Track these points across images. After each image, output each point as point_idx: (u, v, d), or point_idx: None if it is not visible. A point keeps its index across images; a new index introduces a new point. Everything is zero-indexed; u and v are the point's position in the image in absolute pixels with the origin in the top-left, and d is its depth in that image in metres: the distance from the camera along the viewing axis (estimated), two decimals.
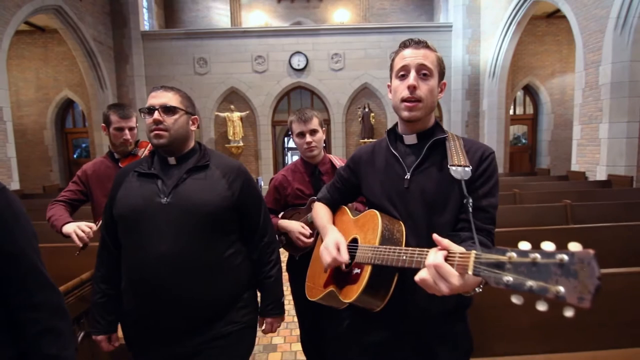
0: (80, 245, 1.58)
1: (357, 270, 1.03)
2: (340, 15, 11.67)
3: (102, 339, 1.24)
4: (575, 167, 5.80)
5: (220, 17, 12.29)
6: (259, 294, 1.35)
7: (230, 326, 1.20)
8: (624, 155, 5.01)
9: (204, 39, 9.05)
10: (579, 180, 5.36)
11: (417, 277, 0.77)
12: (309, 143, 1.68)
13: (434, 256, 0.75)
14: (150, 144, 1.88)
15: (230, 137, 9.10)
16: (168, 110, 1.17)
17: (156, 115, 1.16)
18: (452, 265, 0.73)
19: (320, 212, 1.27)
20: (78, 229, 1.58)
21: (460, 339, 1.07)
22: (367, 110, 9.17)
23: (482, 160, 1.01)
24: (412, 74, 0.99)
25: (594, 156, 5.38)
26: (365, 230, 1.07)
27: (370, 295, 0.97)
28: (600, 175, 5.23)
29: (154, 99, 1.19)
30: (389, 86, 1.10)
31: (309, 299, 1.25)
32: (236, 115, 8.99)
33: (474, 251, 0.69)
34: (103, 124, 1.87)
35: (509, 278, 0.60)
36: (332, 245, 1.06)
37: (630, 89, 4.96)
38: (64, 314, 0.93)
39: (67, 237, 1.60)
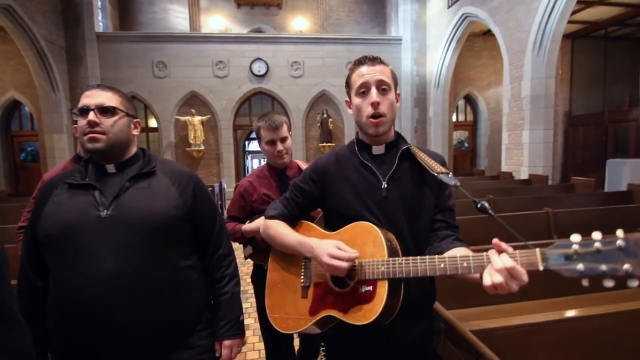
0: None
1: (367, 288, 0.96)
2: (299, 24, 12.10)
3: None
4: (504, 168, 6.67)
5: (179, 20, 12.21)
6: None
7: (189, 352, 1.06)
8: (542, 157, 5.92)
9: (163, 43, 9.04)
10: (506, 179, 6.20)
11: (489, 281, 0.78)
12: (279, 151, 1.65)
13: (502, 260, 0.77)
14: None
15: (191, 141, 9.16)
16: (105, 110, 1.04)
17: (91, 116, 1.01)
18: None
19: (283, 228, 1.14)
20: None
21: (435, 332, 1.14)
22: (325, 115, 9.68)
23: (443, 164, 1.06)
24: (373, 90, 1.02)
25: (519, 158, 6.27)
26: (359, 244, 0.99)
27: (389, 311, 0.93)
28: (524, 174, 6.11)
29: (89, 98, 1.04)
30: (347, 102, 1.12)
31: (284, 332, 1.11)
32: (197, 119, 9.08)
33: (537, 249, 0.76)
34: (74, 125, 1.59)
35: (580, 266, 0.71)
36: (337, 249, 0.97)
37: (546, 101, 5.87)
38: (29, 358, 0.82)
39: None
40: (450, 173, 1.02)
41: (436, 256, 0.88)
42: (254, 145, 17.33)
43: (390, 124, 1.07)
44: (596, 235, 0.70)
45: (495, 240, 0.81)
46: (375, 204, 1.05)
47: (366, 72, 1.03)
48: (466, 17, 7.71)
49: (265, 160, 1.79)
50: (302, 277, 1.10)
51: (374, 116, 1.03)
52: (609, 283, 0.68)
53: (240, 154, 12.65)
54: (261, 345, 2.41)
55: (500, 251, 0.80)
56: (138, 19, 12.18)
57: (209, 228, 1.17)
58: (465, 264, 0.84)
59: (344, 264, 0.94)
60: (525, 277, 0.76)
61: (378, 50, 9.66)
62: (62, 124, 8.15)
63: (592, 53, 9.30)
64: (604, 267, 0.69)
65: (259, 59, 9.29)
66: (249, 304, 3.25)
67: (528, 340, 1.27)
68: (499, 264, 0.77)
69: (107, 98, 1.05)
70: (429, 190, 1.07)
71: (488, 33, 9.58)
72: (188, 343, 1.07)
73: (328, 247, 0.98)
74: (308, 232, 1.15)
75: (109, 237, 0.98)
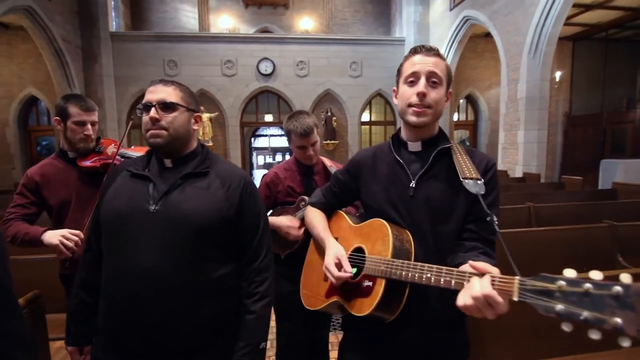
0: (70, 255, 1.40)
1: (368, 283, 0.99)
2: (305, 23, 12.37)
3: (73, 351, 1.11)
4: (501, 166, 6.92)
5: (188, 20, 12.55)
6: None
7: (215, 355, 1.05)
8: (535, 157, 6.17)
9: (174, 42, 9.40)
10: (502, 177, 6.45)
11: (460, 303, 0.74)
12: (310, 155, 1.72)
13: (482, 285, 0.72)
14: (114, 143, 1.73)
15: (199, 137, 9.49)
16: (166, 106, 1.04)
17: (152, 112, 1.02)
18: None
19: (316, 218, 1.22)
20: (63, 237, 1.39)
21: (458, 346, 1.06)
22: (329, 114, 9.97)
23: (486, 171, 1.00)
24: (422, 81, 0.98)
25: (514, 157, 6.52)
26: (372, 240, 1.03)
27: (384, 309, 0.94)
28: (518, 173, 6.36)
29: (151, 94, 1.05)
30: (394, 90, 1.08)
31: (307, 307, 1.20)
32: (206, 116, 9.42)
33: (517, 277, 0.68)
34: (57, 117, 1.59)
35: (560, 307, 0.61)
36: (334, 263, 1.04)
37: (540, 103, 6.11)
38: (28, 345, 0.84)
39: (48, 246, 1.41)
40: (481, 180, 0.95)
41: (444, 268, 0.83)
42: (259, 142, 17.69)
43: (433, 119, 1.02)
44: (595, 275, 0.60)
45: (471, 262, 0.77)
46: (401, 202, 1.03)
47: (418, 62, 0.99)
48: (467, 20, 7.93)
49: (292, 155, 1.85)
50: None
51: (417, 105, 0.99)
52: (594, 335, 0.58)
53: (247, 150, 12.99)
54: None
55: (481, 271, 0.75)
56: (149, 18, 12.54)
57: (249, 236, 1.12)
58: (447, 278, 0.80)
59: (334, 279, 1.04)
60: (502, 307, 0.70)
61: (381, 50, 9.93)
62: None
63: (593, 55, 9.48)
64: (585, 314, 0.58)
65: (265, 58, 9.61)
66: None
67: None
68: (477, 290, 0.71)
69: (169, 93, 1.05)
70: (463, 196, 0.98)
71: (490, 35, 9.77)
72: (213, 346, 1.04)
73: (330, 257, 1.07)
74: (338, 222, 1.23)
75: (152, 232, 0.99)
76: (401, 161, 1.06)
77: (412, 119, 1.01)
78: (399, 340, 1.03)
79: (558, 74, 9.10)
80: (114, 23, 11.12)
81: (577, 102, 9.70)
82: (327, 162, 1.83)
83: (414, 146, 1.07)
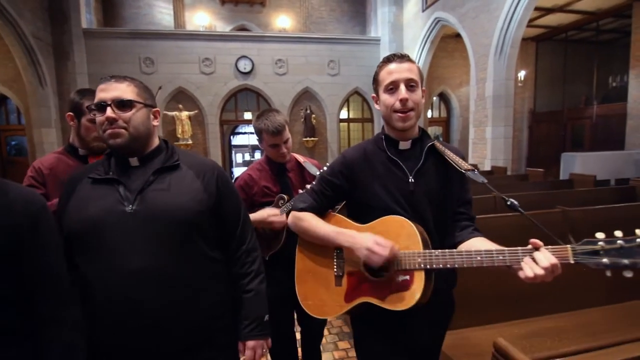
0: None
1: (404, 277, 1.02)
2: (282, 22, 12.45)
3: None
4: (471, 160, 7.34)
5: (163, 16, 12.36)
6: None
7: (213, 349, 1.06)
8: (502, 151, 6.61)
9: (149, 40, 9.28)
10: None
11: (530, 274, 0.88)
12: (282, 153, 1.70)
13: (549, 256, 0.88)
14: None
15: (179, 136, 9.46)
16: (123, 104, 0.99)
17: (109, 112, 0.98)
18: None
19: (316, 221, 1.18)
20: None
21: (450, 305, 1.27)
22: (308, 111, 10.16)
23: (464, 161, 1.14)
24: (402, 88, 1.07)
25: (483, 152, 6.95)
26: (392, 237, 1.04)
27: (424, 297, 1.01)
28: (487, 166, 6.78)
29: (104, 92, 0.99)
30: (374, 97, 1.17)
31: (320, 317, 1.19)
32: (185, 114, 9.39)
33: (569, 246, 0.87)
34: (70, 113, 1.53)
35: (605, 260, 0.82)
36: (376, 243, 1.02)
37: (506, 100, 6.54)
38: (82, 330, 0.91)
39: None
40: (476, 170, 1.11)
41: (473, 250, 0.98)
42: (238, 140, 17.63)
43: (416, 120, 1.12)
44: (618, 233, 0.83)
45: (532, 240, 0.91)
46: (403, 198, 1.10)
47: (395, 70, 1.08)
48: (439, 21, 8.31)
49: (264, 154, 1.82)
50: (335, 266, 1.14)
51: (402, 111, 1.08)
52: (628, 274, 0.81)
53: (227, 148, 12.98)
54: None
55: (537, 247, 0.90)
56: (121, 13, 12.26)
57: (233, 222, 1.14)
58: (500, 257, 0.93)
59: (385, 254, 0.99)
60: (559, 271, 0.88)
61: (358, 49, 10.19)
62: (50, 118, 8.31)
63: (554, 55, 10.14)
64: (625, 261, 0.80)
65: (244, 56, 9.67)
66: None
67: None
68: (545, 262, 0.87)
69: (123, 90, 1.01)
70: (452, 185, 1.14)
71: (460, 35, 10.22)
72: (212, 339, 1.06)
73: (368, 238, 1.04)
74: (338, 224, 1.18)
75: (135, 233, 0.96)
76: (396, 159, 1.13)
77: (399, 124, 1.10)
78: (411, 320, 1.12)
79: (523, 73, 9.67)
80: (86, 19, 10.83)
81: (541, 99, 10.35)
82: (300, 158, 1.81)
83: (405, 145, 1.16)
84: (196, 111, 9.62)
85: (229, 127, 12.59)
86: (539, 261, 0.88)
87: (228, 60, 9.66)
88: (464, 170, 1.08)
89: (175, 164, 1.07)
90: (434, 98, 11.11)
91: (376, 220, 1.10)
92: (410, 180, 1.10)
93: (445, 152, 1.13)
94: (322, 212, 1.23)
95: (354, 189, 1.18)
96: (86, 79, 8.92)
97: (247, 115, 10.57)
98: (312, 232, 1.18)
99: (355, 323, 1.26)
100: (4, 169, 9.15)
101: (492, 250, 0.95)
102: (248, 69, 9.71)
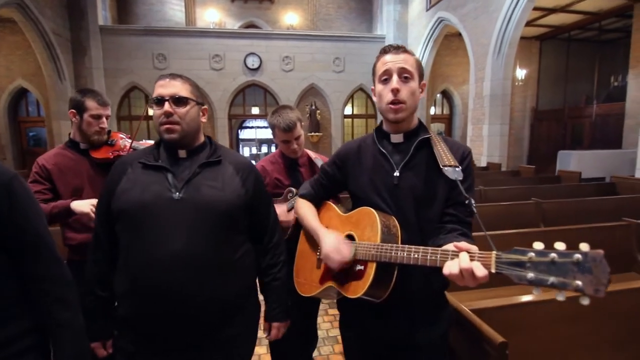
0: None
1: (359, 267, 1.05)
2: (290, 18, 12.71)
3: (97, 346, 1.16)
4: None
5: (175, 13, 12.72)
6: (260, 297, 1.26)
7: (237, 329, 1.14)
8: (498, 148, 6.85)
9: (162, 36, 9.66)
10: None
11: (446, 272, 0.82)
12: (294, 149, 1.77)
13: (464, 261, 0.80)
14: (120, 135, 1.80)
15: None
16: (179, 101, 1.08)
17: (167, 106, 1.06)
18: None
19: (307, 210, 1.26)
20: (93, 206, 1.46)
21: (441, 318, 1.15)
22: (314, 107, 10.48)
23: (463, 158, 1.08)
24: (395, 77, 1.05)
25: (480, 149, 7.19)
26: (361, 227, 1.09)
27: (376, 289, 1.00)
28: (483, 163, 7.04)
29: (163, 88, 1.08)
30: (373, 90, 1.14)
31: (302, 294, 1.26)
32: None
33: (494, 252, 0.77)
34: (73, 110, 1.65)
35: (531, 275, 0.70)
36: (336, 249, 1.06)
37: (503, 99, 6.77)
38: (72, 285, 0.96)
39: (77, 215, 1.50)
40: (459, 167, 1.02)
41: (429, 248, 0.90)
42: (246, 134, 18.03)
43: (410, 112, 1.09)
44: (558, 245, 0.69)
45: (455, 244, 0.86)
46: (387, 191, 1.09)
47: (389, 60, 1.06)
48: (441, 21, 8.51)
49: (278, 148, 1.88)
50: (319, 250, 1.17)
51: (393, 102, 1.05)
52: (560, 297, 0.67)
53: (234, 142, 13.37)
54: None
55: (462, 250, 0.83)
56: (135, 10, 12.64)
57: (265, 218, 1.25)
58: (433, 257, 0.87)
59: (336, 264, 1.06)
60: (482, 279, 0.78)
61: (363, 47, 10.45)
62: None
63: (558, 53, 10.26)
64: (552, 280, 0.68)
65: (252, 53, 10.00)
66: None
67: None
68: (462, 265, 0.80)
69: (179, 88, 1.09)
70: (443, 182, 1.06)
71: None
72: (235, 321, 1.13)
73: (331, 243, 1.08)
74: (327, 212, 1.28)
75: (179, 219, 1.03)
76: (384, 152, 1.12)
77: (391, 116, 1.08)
78: (390, 316, 1.11)
79: (524, 72, 9.81)
80: (102, 15, 11.24)
81: (544, 97, 10.49)
82: (312, 154, 1.88)
83: (396, 138, 1.14)
84: (205, 106, 9.95)
85: (237, 122, 12.97)
86: (461, 263, 0.83)
87: (237, 56, 10.00)
88: (443, 165, 1.03)
89: (218, 159, 1.15)
90: (437, 95, 11.33)
91: (354, 211, 1.16)
92: (395, 174, 1.09)
93: (437, 146, 1.09)
94: (319, 200, 1.31)
95: (346, 180, 1.21)
96: (102, 74, 9.35)
97: (255, 110, 10.92)
98: (302, 220, 1.28)
99: (337, 305, 1.30)
100: (24, 158, 9.65)
101: (427, 249, 0.90)
102: (256, 65, 10.05)
